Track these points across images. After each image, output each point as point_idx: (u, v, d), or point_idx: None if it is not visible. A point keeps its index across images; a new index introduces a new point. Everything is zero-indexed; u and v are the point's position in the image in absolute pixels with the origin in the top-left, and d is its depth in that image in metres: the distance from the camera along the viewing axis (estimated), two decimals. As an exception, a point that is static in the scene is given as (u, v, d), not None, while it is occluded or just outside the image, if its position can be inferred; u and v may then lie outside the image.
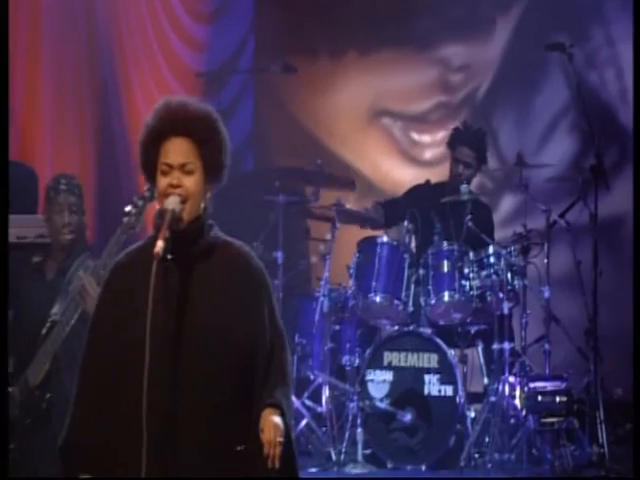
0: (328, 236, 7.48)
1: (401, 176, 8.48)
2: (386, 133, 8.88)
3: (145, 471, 3.77)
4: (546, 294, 7.28)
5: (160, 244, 3.76)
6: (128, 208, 5.16)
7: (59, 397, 5.47)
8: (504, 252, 7.17)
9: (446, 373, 6.96)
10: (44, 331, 5.57)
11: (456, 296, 7.10)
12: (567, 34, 8.38)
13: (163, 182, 3.89)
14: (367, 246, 7.18)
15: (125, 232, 5.25)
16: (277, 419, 3.89)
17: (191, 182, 3.87)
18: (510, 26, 8.81)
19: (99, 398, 3.97)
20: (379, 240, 7.15)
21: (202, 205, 3.92)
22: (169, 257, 3.83)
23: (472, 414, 7.11)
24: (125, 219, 5.17)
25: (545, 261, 7.30)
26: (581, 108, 7.65)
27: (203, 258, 3.97)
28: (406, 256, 7.13)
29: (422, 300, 7.12)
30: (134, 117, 9.02)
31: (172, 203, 3.84)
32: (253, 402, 3.98)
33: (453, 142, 7.58)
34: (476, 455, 6.94)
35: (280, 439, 3.88)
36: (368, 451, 6.87)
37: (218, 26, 9.19)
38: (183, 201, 3.87)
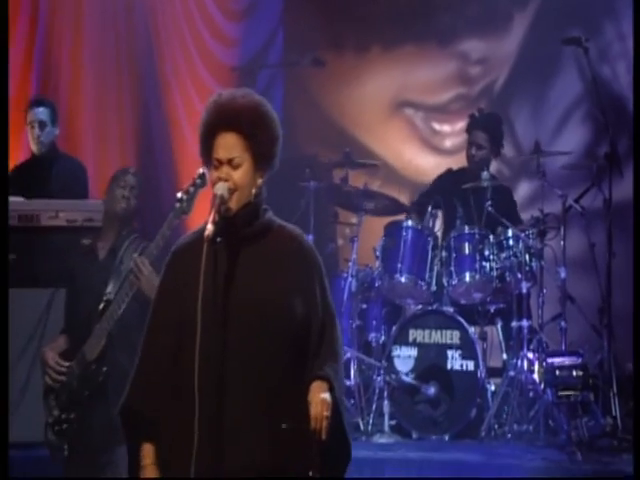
0: (355, 220, 7.51)
1: (422, 163, 8.51)
2: (408, 123, 8.88)
3: (197, 440, 3.76)
4: (562, 275, 7.26)
5: (210, 228, 3.80)
6: (180, 194, 5.05)
7: (114, 371, 5.51)
8: (522, 235, 7.14)
9: (467, 349, 6.97)
10: (100, 308, 5.58)
11: (477, 277, 7.11)
12: (581, 29, 8.32)
13: (214, 175, 3.95)
14: (393, 230, 7.20)
15: (177, 217, 5.23)
16: (325, 394, 3.87)
17: (238, 175, 3.90)
18: (526, 22, 8.78)
19: (158, 370, 3.99)
20: (404, 224, 7.16)
21: (253, 191, 3.95)
22: (219, 239, 3.84)
23: (492, 387, 7.09)
24: (177, 205, 5.02)
25: (561, 243, 7.28)
26: (596, 99, 7.61)
27: (256, 240, 3.97)
28: (430, 239, 7.15)
29: (445, 280, 7.14)
30: (172, 112, 9.08)
31: (220, 189, 3.89)
32: (305, 377, 3.97)
33: (469, 127, 7.59)
34: (496, 426, 6.95)
35: (327, 413, 3.86)
36: (394, 422, 6.92)
37: (248, 23, 9.20)
38: (231, 192, 3.90)
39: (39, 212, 6.80)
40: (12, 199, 6.98)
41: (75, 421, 5.69)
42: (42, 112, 7.50)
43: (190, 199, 5.00)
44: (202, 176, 4.87)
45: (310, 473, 3.95)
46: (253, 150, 3.93)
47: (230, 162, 3.91)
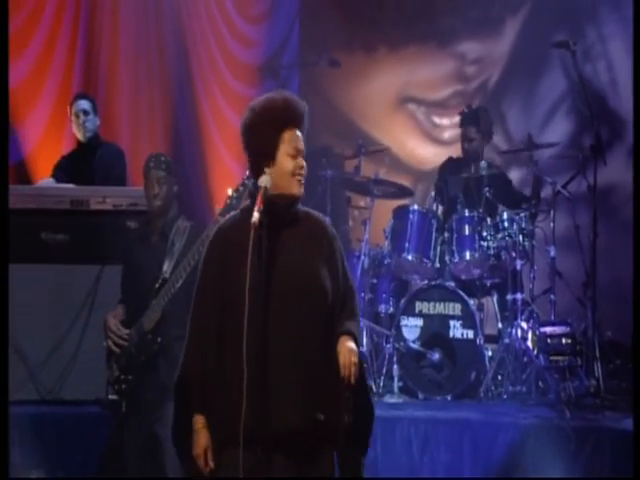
0: (366, 204, 7.57)
1: (424, 153, 8.54)
2: (411, 117, 8.88)
3: (245, 407, 3.78)
4: (551, 253, 7.27)
5: (256, 215, 3.85)
6: (230, 192, 5.08)
7: (167, 342, 5.57)
8: (516, 218, 7.14)
9: (467, 319, 6.98)
10: (157, 286, 5.60)
11: (476, 255, 7.11)
12: (566, 32, 8.33)
13: (291, 164, 3.97)
14: (401, 213, 7.25)
15: (226, 212, 5.02)
16: (352, 344, 3.94)
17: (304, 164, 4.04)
18: (518, 25, 8.77)
19: (206, 339, 4.02)
20: (411, 208, 7.21)
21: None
22: (255, 220, 3.85)
23: (489, 353, 7.09)
24: (227, 201, 5.08)
25: (551, 225, 7.32)
26: (582, 96, 7.59)
27: (292, 225, 4.04)
28: (434, 222, 7.20)
29: (447, 258, 7.19)
30: (197, 107, 9.05)
31: (264, 181, 3.95)
32: (333, 337, 4.02)
33: (461, 123, 7.62)
34: (493, 388, 6.94)
35: (355, 359, 3.91)
36: (402, 384, 6.95)
37: (265, 26, 9.18)
38: (301, 180, 4.00)
39: (88, 197, 6.81)
40: (64, 186, 7.12)
41: (132, 382, 5.67)
42: (85, 103, 7.50)
43: (239, 197, 4.97)
44: (250, 177, 5.11)
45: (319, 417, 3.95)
46: (303, 143, 4.04)
47: (301, 152, 3.99)
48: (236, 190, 5.08)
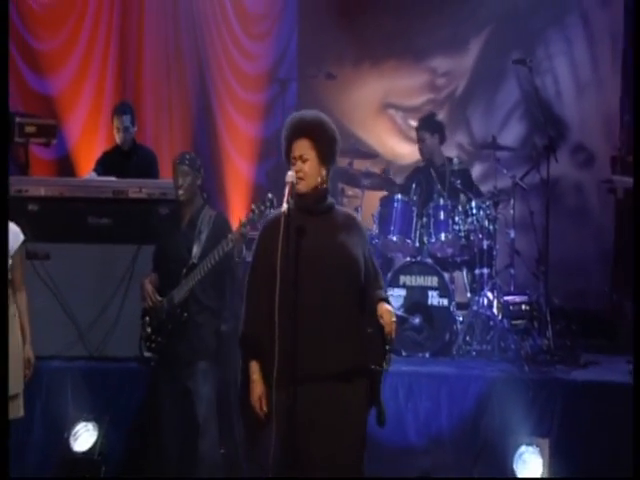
0: (357, 194, 7.58)
1: (401, 150, 8.49)
2: (391, 120, 8.83)
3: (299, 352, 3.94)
4: (511, 235, 7.33)
5: (285, 206, 3.99)
6: (253, 207, 5.38)
7: (193, 316, 5.62)
8: (483, 205, 7.16)
9: (443, 290, 6.99)
10: (186, 268, 5.60)
11: (449, 236, 7.09)
12: (520, 51, 8.35)
13: (293, 169, 4.11)
14: (387, 201, 7.24)
15: (247, 224, 5.41)
16: (390, 307, 4.10)
17: (307, 167, 4.09)
18: (480, 44, 8.72)
19: (260, 307, 4.13)
20: (396, 197, 7.20)
21: (319, 180, 4.13)
22: (284, 210, 3.97)
23: (460, 318, 7.10)
24: (250, 214, 5.36)
25: (511, 212, 7.36)
26: (536, 104, 7.71)
27: (322, 215, 4.17)
28: (414, 209, 7.17)
29: (425, 239, 7.15)
30: (211, 114, 8.94)
31: (290, 177, 4.08)
32: (360, 305, 4.11)
33: (417, 128, 7.59)
34: (463, 346, 6.96)
35: (394, 319, 4.06)
36: None
37: (266, 42, 9.06)
38: (300, 178, 4.09)
39: (127, 188, 6.81)
40: (107, 178, 7.09)
41: (162, 342, 5.68)
42: (126, 119, 7.46)
43: (260, 214, 5.30)
44: (271, 200, 5.32)
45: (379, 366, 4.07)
46: (317, 150, 4.09)
47: (301, 157, 4.08)
48: (258, 207, 5.32)
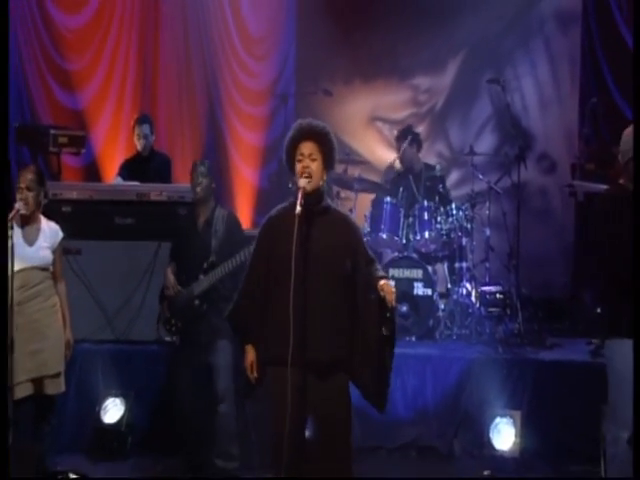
0: (350, 197, 7.55)
1: (388, 158, 8.26)
2: (379, 131, 8.78)
3: (292, 333, 3.91)
4: (487, 233, 7.36)
5: (299, 208, 4.01)
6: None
7: (213, 303, 5.59)
8: (462, 207, 7.17)
9: (427, 281, 6.96)
10: (206, 264, 5.56)
11: (432, 234, 7.08)
12: (492, 71, 8.36)
13: (299, 166, 4.12)
14: (377, 203, 7.23)
15: None
16: (389, 281, 4.18)
17: (315, 165, 4.11)
18: (457, 65, 8.68)
19: (255, 289, 4.18)
20: (385, 199, 7.17)
21: (321, 183, 4.16)
22: (298, 212, 4.01)
23: (442, 306, 7.09)
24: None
25: (486, 212, 7.36)
26: (508, 118, 7.70)
27: (321, 215, 4.17)
28: (401, 209, 7.18)
29: (411, 237, 7.12)
30: (218, 127, 8.88)
31: (302, 182, 4.08)
32: (354, 297, 4.14)
33: (396, 139, 7.58)
34: (445, 331, 6.97)
35: (393, 289, 4.11)
36: None
37: (267, 61, 9.00)
38: (308, 176, 4.09)
39: (149, 191, 6.82)
40: (131, 183, 7.08)
41: (181, 327, 5.65)
42: (146, 127, 7.49)
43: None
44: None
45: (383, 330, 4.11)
46: (323, 152, 4.13)
47: (310, 156, 4.09)
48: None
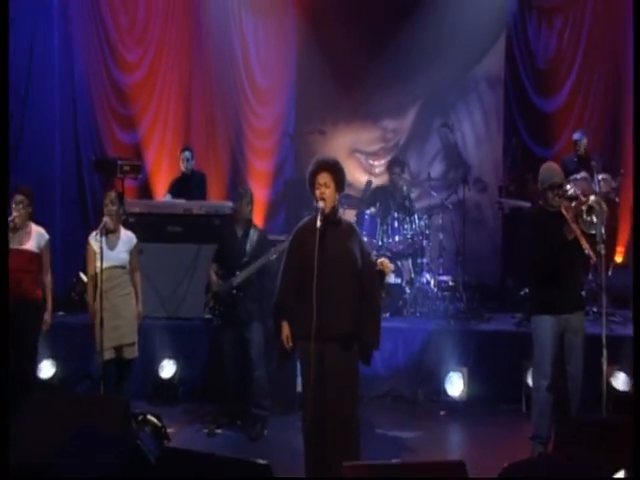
0: (340, 211, 7.34)
1: (364, 180, 8.26)
2: (358, 160, 8.71)
3: (315, 316, 3.91)
4: (440, 236, 7.38)
5: (319, 223, 4.07)
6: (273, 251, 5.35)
7: (248, 292, 5.56)
8: (423, 217, 7.15)
9: (397, 273, 6.94)
10: (242, 262, 5.51)
11: (401, 238, 7.04)
12: (441, 116, 8.41)
13: (317, 192, 4.16)
14: (360, 215, 7.27)
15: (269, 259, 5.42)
16: (385, 259, 4.22)
17: (329, 191, 4.15)
18: (415, 111, 8.62)
19: (289, 283, 4.19)
20: (366, 212, 7.17)
21: (335, 202, 4.19)
22: (319, 226, 4.07)
23: (408, 291, 7.05)
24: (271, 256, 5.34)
25: (440, 221, 7.38)
26: (454, 151, 7.93)
27: (336, 227, 4.20)
28: (378, 219, 7.12)
29: (385, 240, 7.04)
30: (237, 157, 8.74)
31: (321, 204, 4.15)
32: (360, 290, 4.15)
33: (388, 166, 7.65)
34: (411, 310, 6.94)
35: (387, 262, 4.22)
36: None
37: (271, 106, 8.86)
38: (324, 201, 4.13)
39: (192, 207, 6.88)
40: (179, 200, 7.09)
41: (222, 310, 5.56)
42: (188, 154, 7.53)
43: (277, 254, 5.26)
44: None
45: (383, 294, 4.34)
46: (335, 180, 4.16)
47: (325, 184, 4.13)
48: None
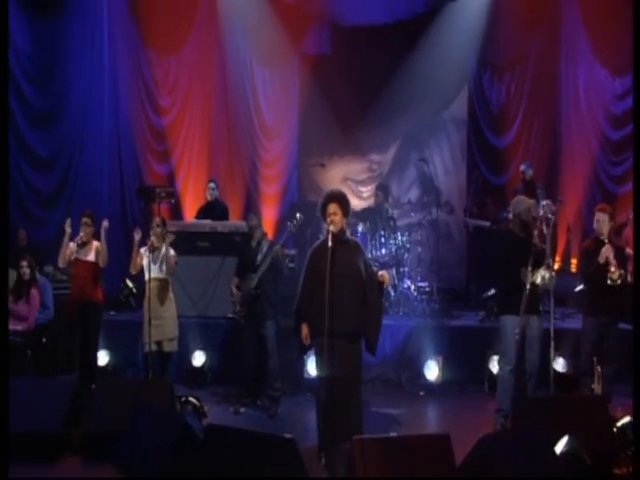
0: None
1: (355, 203, 7.97)
2: (349, 187, 8.69)
3: (327, 317, 3.93)
4: (418, 250, 7.41)
5: (330, 243, 4.15)
6: (289, 223, 5.24)
7: (261, 292, 5.42)
8: (405, 234, 7.13)
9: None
10: (255, 266, 5.46)
11: (386, 251, 7.01)
12: (417, 151, 8.48)
13: (328, 219, 4.23)
14: (354, 232, 6.98)
15: (290, 232, 5.35)
16: (385, 273, 4.23)
17: (337, 218, 4.21)
18: (396, 147, 8.69)
19: (307, 292, 4.23)
20: (358, 229, 7.06)
21: (342, 226, 4.25)
22: (330, 246, 4.15)
23: (393, 294, 7.00)
24: (289, 226, 5.23)
25: (418, 238, 7.41)
26: (429, 180, 7.96)
27: (344, 245, 4.23)
28: (368, 235, 7.07)
29: (374, 252, 7.00)
30: (250, 184, 8.65)
31: (331, 228, 4.19)
32: (364, 296, 4.20)
33: (375, 192, 7.70)
34: (395, 309, 6.89)
35: (387, 275, 4.25)
36: None
37: (277, 141, 8.82)
38: (334, 225, 4.18)
39: (217, 226, 6.89)
40: (205, 221, 7.06)
41: (245, 312, 5.51)
42: (213, 185, 7.51)
43: (294, 227, 5.23)
44: (300, 218, 5.20)
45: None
46: (341, 208, 4.22)
47: (333, 213, 4.20)
48: (294, 223, 5.16)
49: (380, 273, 4.22)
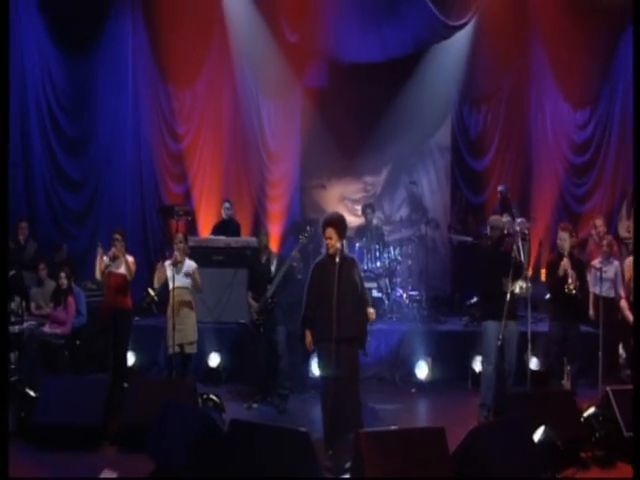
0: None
1: (351, 220, 7.92)
2: (346, 206, 8.69)
3: (335, 323, 3.99)
4: (409, 262, 7.41)
5: (337, 259, 4.19)
6: (301, 236, 5.25)
7: (277, 302, 5.50)
8: (397, 248, 7.14)
9: (378, 288, 7.01)
10: (270, 278, 5.47)
11: (380, 263, 7.06)
12: (406, 174, 8.47)
13: (327, 242, 4.28)
14: (351, 247, 7.02)
15: (301, 245, 5.38)
16: (372, 310, 4.33)
17: (333, 240, 4.23)
18: (387, 171, 8.74)
19: (312, 302, 4.26)
20: (355, 245, 7.10)
21: (339, 246, 4.25)
22: (337, 261, 4.21)
23: (386, 302, 7.06)
24: (301, 240, 5.27)
25: (409, 251, 7.42)
26: (417, 200, 8.05)
27: (343, 261, 4.25)
28: (364, 250, 7.10)
29: (369, 265, 7.05)
30: (257, 204, 8.59)
31: (331, 248, 4.23)
32: (360, 305, 4.27)
33: (362, 210, 7.67)
34: (389, 315, 6.95)
35: (374, 317, 4.29)
36: None
37: (280, 164, 8.75)
38: (333, 246, 4.21)
39: (230, 242, 6.93)
40: (219, 237, 7.09)
41: (262, 320, 5.52)
42: (228, 205, 7.51)
43: (305, 238, 5.28)
44: (310, 231, 5.27)
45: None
46: (338, 231, 4.25)
47: (330, 237, 4.23)
48: (305, 236, 5.19)
49: (370, 311, 4.26)
